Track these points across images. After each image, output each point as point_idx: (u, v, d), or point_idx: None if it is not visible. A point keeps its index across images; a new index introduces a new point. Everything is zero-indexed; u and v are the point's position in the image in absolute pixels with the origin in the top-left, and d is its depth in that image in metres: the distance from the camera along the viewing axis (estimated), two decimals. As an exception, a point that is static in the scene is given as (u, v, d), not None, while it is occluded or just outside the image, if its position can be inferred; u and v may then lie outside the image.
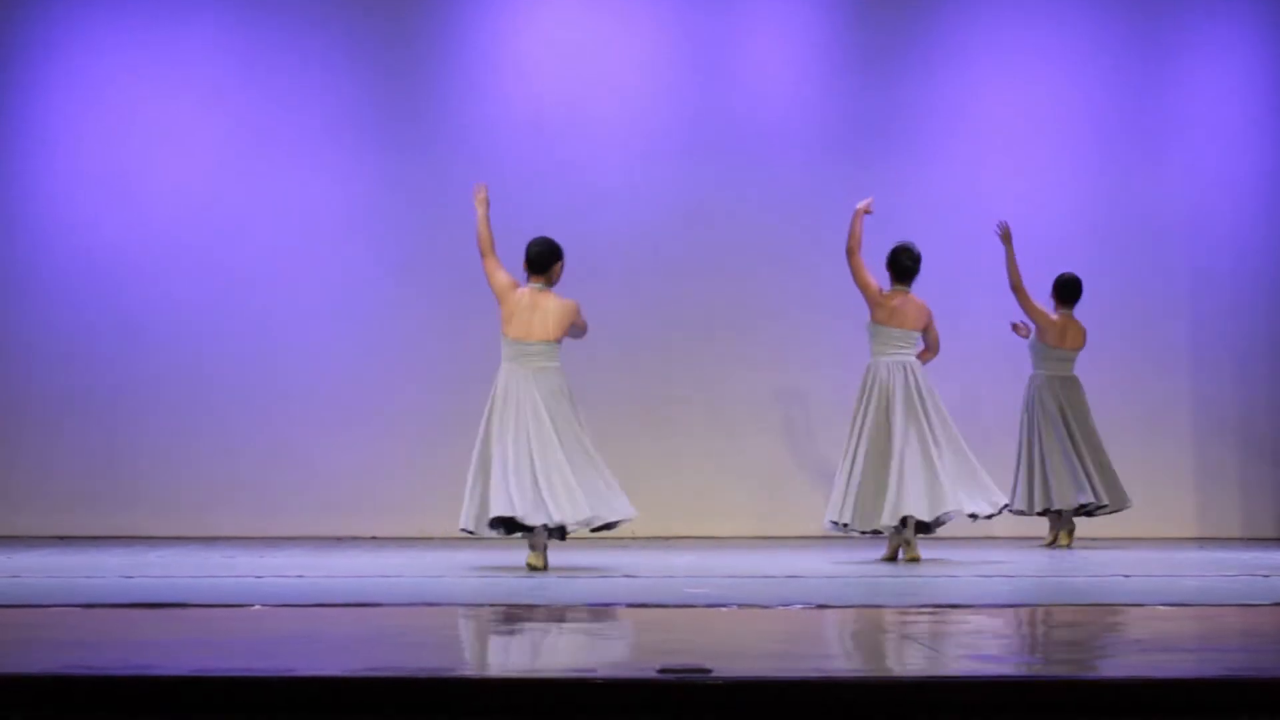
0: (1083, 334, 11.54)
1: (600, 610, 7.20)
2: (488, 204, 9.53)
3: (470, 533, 9.21)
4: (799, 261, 12.32)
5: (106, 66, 12.30)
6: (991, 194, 12.43)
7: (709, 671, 5.00)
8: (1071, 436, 11.35)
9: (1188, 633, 6.63)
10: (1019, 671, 5.50)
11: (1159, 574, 9.22)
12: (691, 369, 12.40)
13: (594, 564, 9.56)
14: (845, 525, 9.95)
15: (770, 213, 12.42)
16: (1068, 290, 11.53)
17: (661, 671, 5.00)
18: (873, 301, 10.18)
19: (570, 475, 9.11)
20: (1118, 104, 12.75)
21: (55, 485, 12.13)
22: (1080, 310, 11.55)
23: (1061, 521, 11.42)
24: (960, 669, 5.45)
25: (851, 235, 10.17)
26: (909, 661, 5.66)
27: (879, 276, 10.23)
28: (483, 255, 9.49)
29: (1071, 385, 11.47)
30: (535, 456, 9.10)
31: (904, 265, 10.23)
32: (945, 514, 9.90)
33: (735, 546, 11.36)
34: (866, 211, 10.20)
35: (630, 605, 7.30)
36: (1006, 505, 10.07)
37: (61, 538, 11.80)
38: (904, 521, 9.89)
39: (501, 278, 9.42)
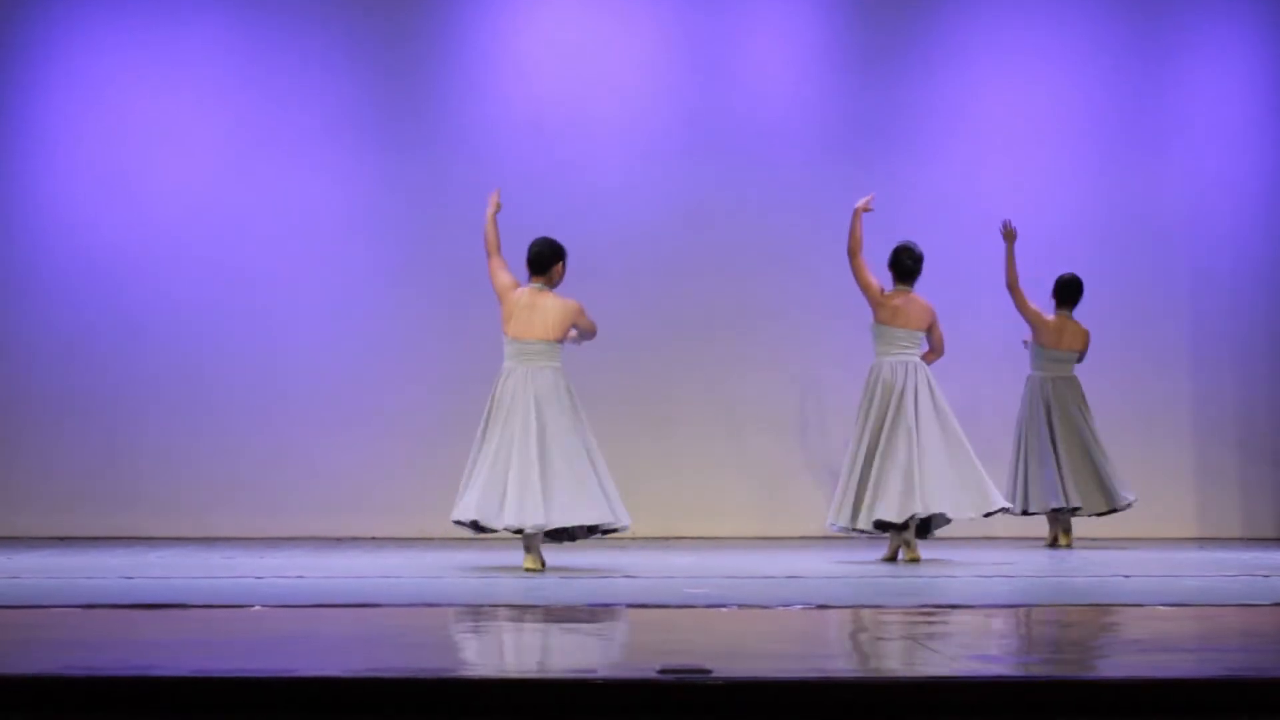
0: (1083, 335, 11.53)
1: (600, 610, 7.19)
2: (498, 206, 9.57)
3: (460, 523, 9.24)
4: (799, 261, 12.32)
5: (106, 66, 12.29)
6: (992, 194, 12.43)
7: (709, 672, 5.00)
8: (1054, 439, 11.36)
9: (1188, 633, 6.63)
10: (1019, 672, 5.50)
11: (1159, 574, 9.22)
12: (692, 369, 12.40)
13: (594, 564, 9.56)
14: (848, 526, 9.96)
15: (770, 213, 12.42)
16: (1067, 291, 11.53)
17: (662, 672, 5.00)
18: (874, 302, 10.19)
19: (537, 477, 9.05)
20: (1118, 104, 12.75)
21: (55, 485, 12.13)
22: (1080, 310, 11.56)
23: (1058, 522, 11.44)
24: (960, 669, 5.45)
25: (852, 236, 10.18)
26: (909, 662, 5.66)
27: (881, 277, 10.24)
28: (487, 254, 9.53)
29: (1068, 386, 11.46)
30: (515, 456, 9.11)
31: (905, 265, 10.24)
32: (943, 515, 9.91)
33: (735, 547, 11.36)
34: (866, 210, 10.21)
35: (630, 605, 7.30)
36: (1005, 508, 10.06)
37: (61, 538, 11.80)
38: (906, 522, 9.90)
39: (503, 277, 9.44)
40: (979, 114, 12.66)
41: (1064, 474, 11.28)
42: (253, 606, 7.19)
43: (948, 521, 10.09)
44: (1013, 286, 11.31)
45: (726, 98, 12.53)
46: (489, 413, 9.29)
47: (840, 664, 5.84)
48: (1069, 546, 11.30)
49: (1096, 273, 12.06)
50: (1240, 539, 12.43)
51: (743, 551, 10.88)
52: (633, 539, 11.70)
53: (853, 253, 10.18)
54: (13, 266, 12.28)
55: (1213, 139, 12.78)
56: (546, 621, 6.89)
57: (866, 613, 7.24)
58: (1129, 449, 12.13)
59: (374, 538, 12.03)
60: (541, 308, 9.33)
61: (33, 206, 12.28)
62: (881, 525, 9.92)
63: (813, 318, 12.33)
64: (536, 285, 9.39)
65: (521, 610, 7.25)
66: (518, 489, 9.04)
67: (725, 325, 12.42)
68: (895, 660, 5.75)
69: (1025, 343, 11.55)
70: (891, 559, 10.03)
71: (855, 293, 10.24)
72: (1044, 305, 11.54)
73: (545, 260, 9.39)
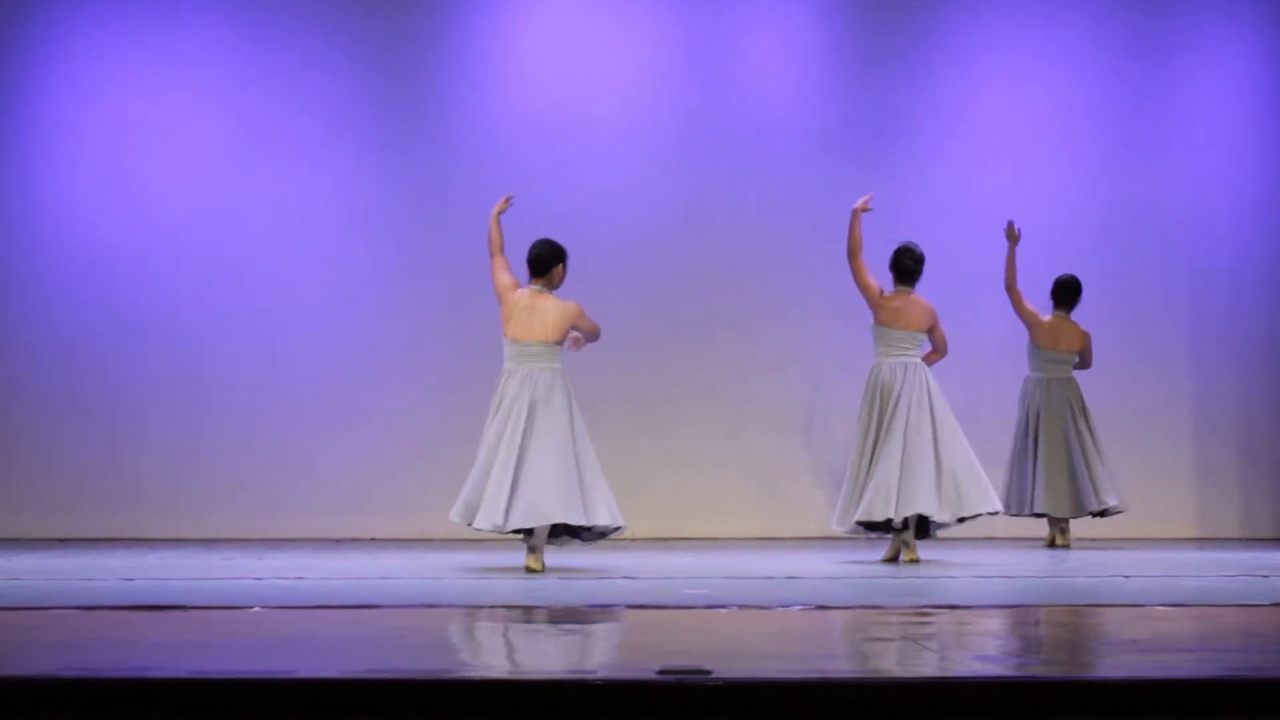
0: (1081, 337, 11.53)
1: (599, 611, 7.19)
2: (504, 206, 9.57)
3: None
4: (799, 262, 12.32)
5: (106, 66, 12.29)
6: (992, 194, 12.43)
7: (708, 673, 5.00)
8: (1036, 442, 11.38)
9: (1187, 633, 6.63)
10: (1018, 672, 5.50)
11: (1158, 574, 9.22)
12: (692, 369, 12.39)
13: (593, 565, 9.56)
14: (853, 526, 9.98)
15: (770, 213, 12.42)
16: (1065, 292, 11.53)
17: (661, 673, 5.00)
18: (874, 303, 10.19)
19: (510, 478, 9.05)
20: (1118, 104, 12.75)
21: (54, 486, 12.12)
22: (1080, 310, 11.55)
23: (1055, 522, 11.46)
24: (960, 670, 5.45)
25: (851, 237, 10.18)
26: (909, 662, 5.66)
27: (882, 278, 10.24)
28: (490, 254, 9.54)
29: (1064, 388, 11.46)
30: (498, 457, 9.12)
31: (906, 266, 10.24)
32: (942, 516, 9.93)
33: (735, 547, 11.36)
34: (864, 210, 10.21)
35: (630, 606, 7.30)
36: (987, 513, 10.06)
37: (60, 539, 11.80)
38: (905, 522, 9.92)
39: (504, 278, 9.45)
40: (979, 114, 12.66)
41: (1036, 478, 11.31)
42: (252, 608, 7.18)
43: (946, 526, 10.10)
44: (1010, 287, 11.34)
45: (726, 98, 12.53)
46: (490, 414, 9.31)
47: (840, 665, 5.84)
48: (1066, 547, 11.30)
49: (1096, 273, 12.06)
50: (1239, 539, 12.43)
51: (742, 552, 10.87)
52: (632, 539, 11.71)
53: (852, 254, 10.18)
54: (12, 266, 12.27)
55: (1212, 139, 12.77)
56: (546, 622, 6.89)
57: (866, 613, 7.24)
58: (1129, 449, 12.14)
59: (373, 539, 12.03)
60: (541, 309, 9.33)
61: (32, 206, 12.27)
62: (866, 525, 9.96)
63: (813, 318, 12.33)
64: (536, 287, 9.38)
65: (521, 611, 7.25)
66: (493, 490, 9.07)
67: (725, 325, 12.41)
68: (895, 661, 5.75)
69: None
70: (892, 560, 10.04)
71: (856, 293, 10.24)
72: (1042, 306, 11.54)
73: (545, 262, 9.38)
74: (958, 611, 7.15)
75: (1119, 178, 12.72)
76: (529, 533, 9.19)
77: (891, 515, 9.82)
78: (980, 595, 7.98)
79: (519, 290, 9.38)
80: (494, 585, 8.57)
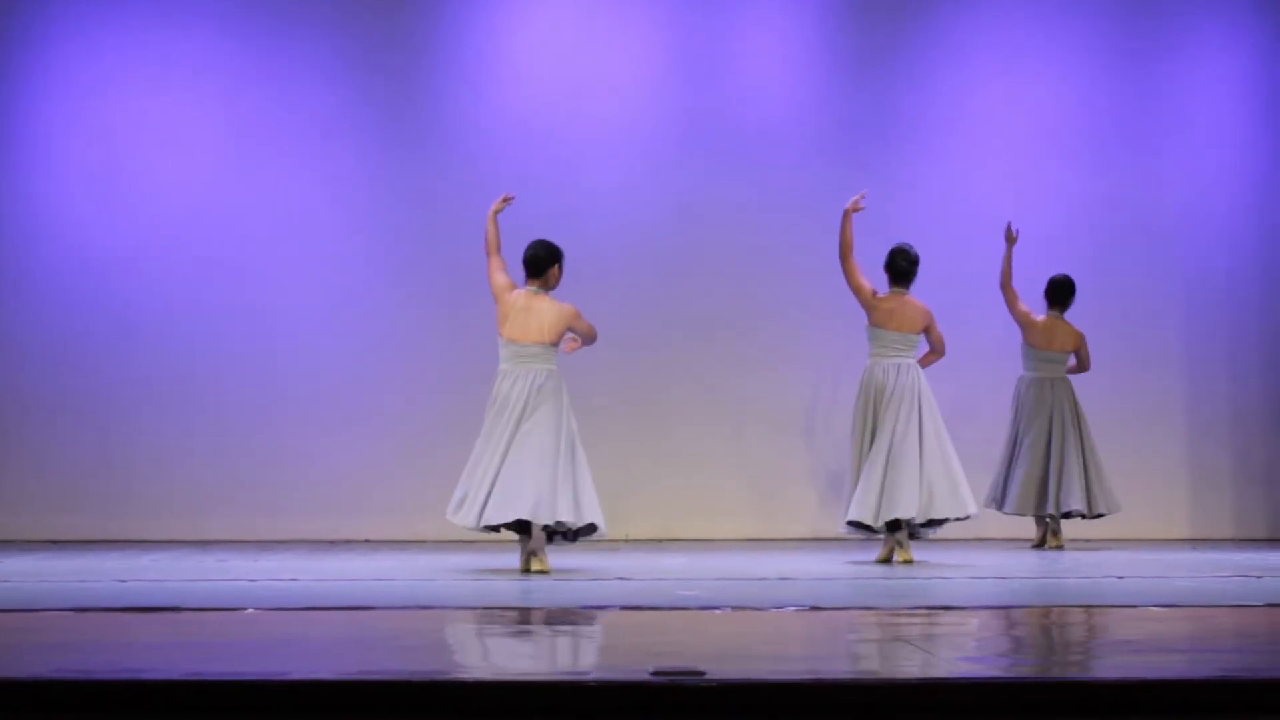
0: (1074, 337, 11.54)
1: (593, 613, 7.19)
2: (502, 205, 9.57)
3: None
4: (796, 262, 12.31)
5: (101, 65, 12.26)
6: (987, 195, 12.43)
7: (702, 674, 5.00)
8: (1017, 442, 11.42)
9: (1181, 634, 6.64)
10: (1012, 673, 5.50)
11: (1152, 575, 9.22)
12: (688, 370, 12.38)
13: (587, 566, 9.56)
14: (860, 526, 10.03)
15: (767, 213, 12.42)
16: (1059, 292, 11.55)
17: (654, 674, 5.00)
18: (867, 304, 10.20)
19: (492, 476, 9.08)
20: (1113, 106, 12.75)
21: (48, 488, 12.11)
22: (1075, 310, 11.57)
23: (1042, 523, 11.48)
24: (954, 671, 5.45)
25: (842, 238, 10.19)
26: (902, 663, 5.66)
27: (877, 279, 10.25)
28: (486, 254, 9.55)
29: (1056, 387, 11.47)
30: (488, 454, 9.14)
31: (900, 267, 10.26)
32: (930, 519, 9.96)
33: (731, 548, 11.36)
34: (856, 210, 10.22)
35: (623, 608, 7.29)
36: (969, 516, 10.08)
37: (54, 541, 11.78)
38: (897, 524, 9.93)
39: (500, 279, 9.45)
40: (974, 115, 12.66)
41: (1011, 476, 11.36)
42: (246, 609, 7.18)
43: (941, 524, 10.12)
44: (1005, 286, 11.37)
45: (723, 98, 12.52)
46: (486, 414, 9.31)
47: (833, 665, 5.84)
48: (1059, 548, 11.30)
49: (1091, 273, 12.08)
50: (1232, 540, 12.44)
51: (735, 553, 10.88)
52: (626, 540, 11.72)
53: (843, 255, 10.19)
54: (5, 266, 12.25)
55: (1208, 140, 12.78)
56: (539, 624, 6.88)
57: (860, 614, 7.24)
58: (1122, 450, 12.15)
59: (368, 540, 12.02)
60: (538, 310, 9.34)
61: (27, 206, 12.25)
62: (858, 526, 10.01)
63: (809, 318, 12.32)
64: (533, 288, 9.39)
65: (515, 612, 7.25)
66: (474, 488, 9.13)
67: (721, 326, 12.41)
68: (889, 662, 5.75)
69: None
70: (885, 560, 10.04)
71: (852, 294, 10.26)
72: (1036, 306, 11.56)
73: (541, 263, 9.39)
74: (951, 612, 7.15)
75: (1114, 179, 12.72)
76: (526, 536, 9.20)
77: (872, 521, 9.87)
78: (974, 596, 7.99)
79: (515, 291, 9.39)
80: (488, 587, 8.57)
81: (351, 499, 12.13)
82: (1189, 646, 6.24)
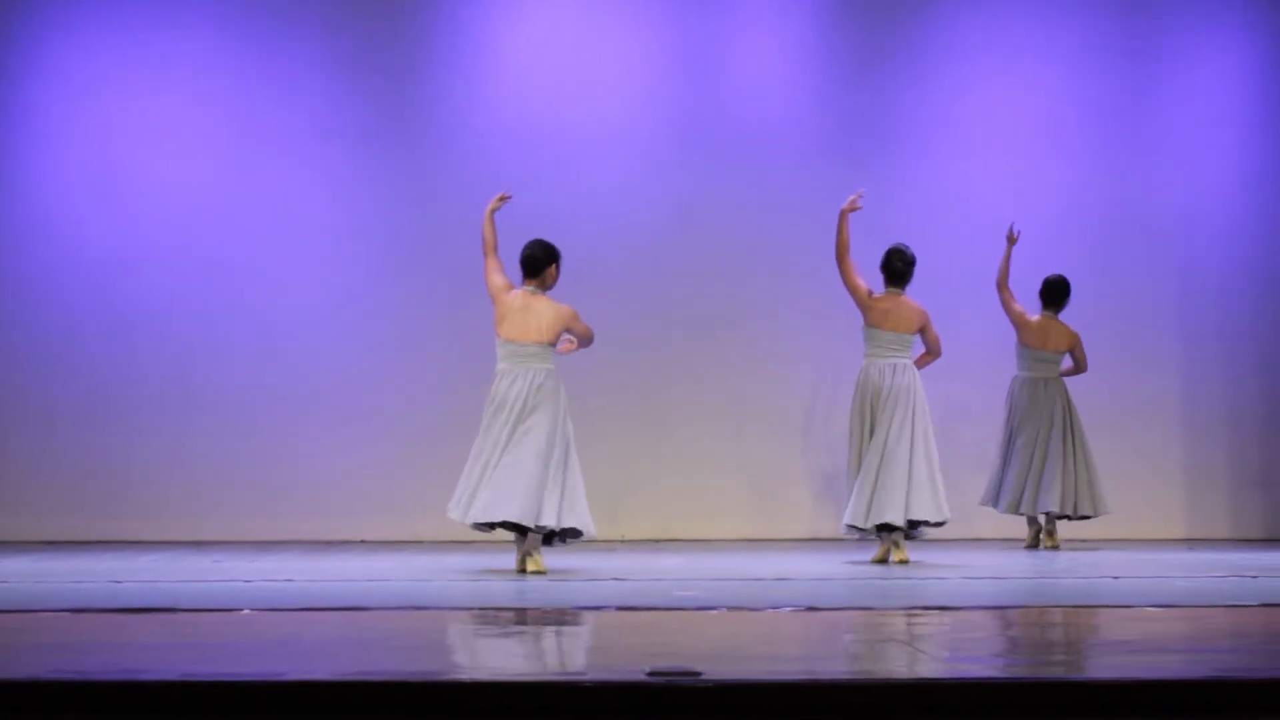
0: (1069, 337, 11.54)
1: (589, 613, 7.19)
2: (499, 204, 9.56)
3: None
4: (793, 262, 12.30)
5: (97, 64, 12.24)
6: (984, 195, 12.43)
7: (699, 674, 5.00)
8: (1010, 442, 11.43)
9: (1177, 634, 6.64)
10: (1009, 673, 5.50)
11: (1148, 575, 9.22)
12: (687, 370, 12.37)
13: (583, 567, 9.56)
14: (855, 528, 10.05)
15: (764, 213, 12.41)
16: (1053, 293, 11.55)
17: (651, 674, 5.00)
18: (862, 304, 10.21)
19: (487, 475, 9.10)
20: (1110, 106, 12.74)
21: (43, 489, 12.09)
22: (1070, 309, 11.57)
23: (1034, 523, 11.49)
24: (950, 671, 5.45)
25: (839, 238, 10.20)
26: (898, 664, 5.66)
27: (873, 279, 10.26)
28: (483, 255, 9.55)
29: (1049, 387, 11.47)
30: (484, 454, 9.15)
31: (896, 268, 10.27)
32: (920, 521, 9.99)
33: (729, 548, 11.36)
34: (852, 210, 10.23)
35: (619, 608, 7.29)
36: (944, 521, 10.09)
37: (50, 542, 11.77)
38: (889, 525, 9.96)
39: (496, 279, 9.44)
40: (972, 115, 12.65)
41: (1005, 476, 11.39)
42: (242, 610, 7.18)
43: (920, 525, 10.17)
44: (1001, 285, 11.40)
45: (722, 98, 12.52)
46: (485, 414, 9.31)
47: (830, 666, 5.83)
48: (1054, 548, 11.30)
49: (1087, 273, 12.08)
50: (1228, 540, 12.44)
51: (732, 554, 10.87)
52: (623, 541, 11.72)
53: (840, 254, 10.20)
54: (3, 267, 12.22)
55: (1204, 140, 12.77)
56: (536, 624, 6.88)
57: (856, 615, 7.24)
58: (1118, 450, 12.15)
59: (364, 541, 12.01)
60: (536, 311, 9.33)
61: (22, 206, 12.23)
62: (852, 528, 10.06)
63: (809, 319, 12.30)
64: (530, 288, 9.39)
65: (511, 613, 7.24)
66: (466, 486, 9.16)
67: (719, 326, 12.40)
68: (885, 662, 5.75)
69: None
70: (882, 561, 10.04)
71: (849, 294, 10.28)
72: (1031, 306, 11.56)
73: (538, 263, 9.39)
74: (947, 613, 7.15)
75: (1111, 179, 12.72)
76: (522, 537, 9.21)
77: (862, 524, 9.89)
78: (970, 596, 7.98)
79: (512, 291, 9.39)
80: (484, 588, 8.57)
81: (348, 500, 12.12)
82: (1185, 646, 6.24)
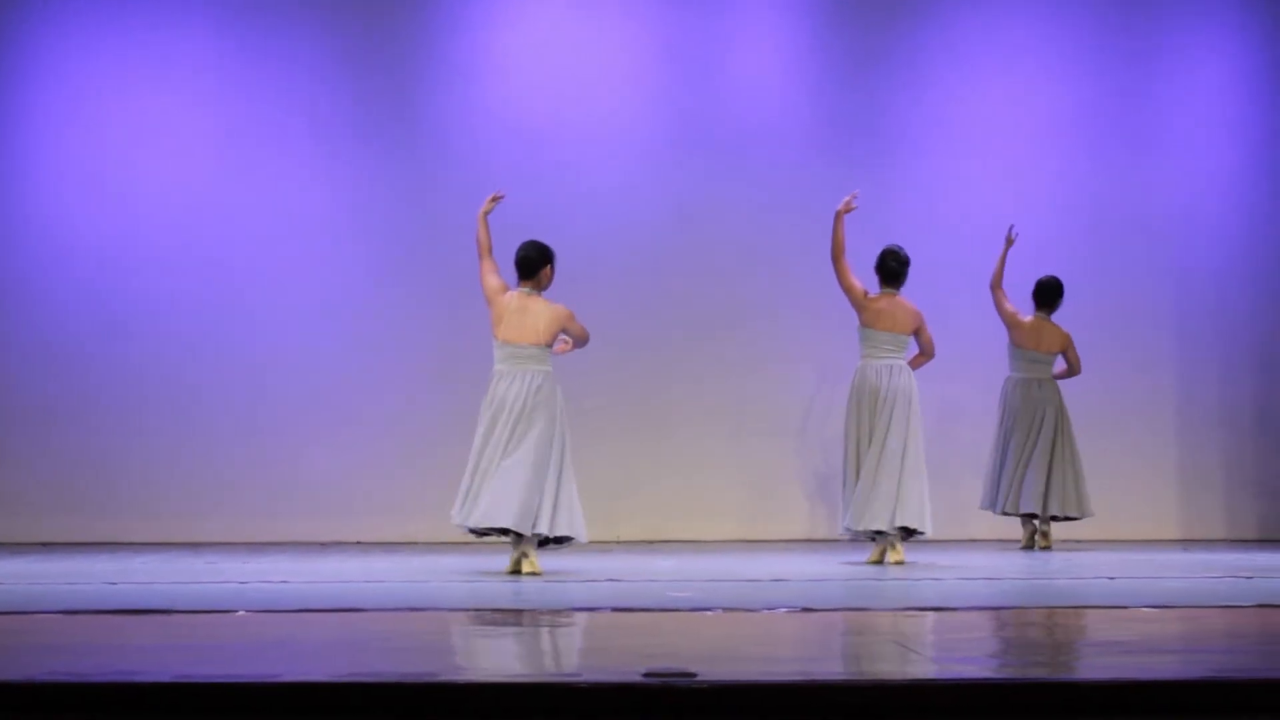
0: (1061, 338, 11.56)
1: (584, 615, 7.19)
2: (492, 205, 9.55)
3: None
4: (790, 263, 12.31)
5: (97, 65, 12.24)
6: (979, 195, 12.45)
7: (694, 675, 5.00)
8: (1006, 441, 11.45)
9: (1172, 634, 6.64)
10: (1004, 674, 5.50)
11: (1143, 575, 9.23)
12: (683, 371, 12.38)
13: (578, 568, 9.56)
14: (854, 530, 10.08)
15: (761, 214, 12.42)
16: (1046, 294, 11.57)
17: (646, 675, 5.00)
18: (858, 305, 10.22)
19: (483, 477, 9.11)
20: (1106, 106, 12.76)
21: (38, 490, 12.09)
22: (1066, 310, 11.58)
23: (1029, 524, 11.51)
24: (945, 672, 5.45)
25: (834, 239, 10.21)
26: (894, 665, 5.66)
27: (868, 280, 10.27)
28: (478, 256, 9.54)
29: (1041, 388, 11.49)
30: (485, 456, 9.16)
31: (890, 269, 10.27)
32: (899, 526, 10.01)
33: (725, 549, 11.36)
34: (848, 210, 10.23)
35: (615, 609, 7.29)
36: (923, 533, 10.12)
37: (44, 543, 11.77)
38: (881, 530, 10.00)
39: (492, 281, 9.44)
40: (967, 115, 12.67)
41: (1000, 477, 11.42)
42: (237, 611, 7.17)
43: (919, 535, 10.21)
44: (995, 286, 11.44)
45: (719, 98, 12.52)
46: (482, 416, 9.31)
47: (825, 667, 5.84)
48: (1048, 549, 11.31)
49: (1082, 273, 12.10)
50: (1223, 540, 12.46)
51: (727, 554, 10.88)
52: (618, 542, 11.72)
53: (835, 255, 10.21)
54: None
55: (1200, 140, 12.79)
56: (531, 625, 6.88)
57: (851, 616, 7.24)
58: (1113, 450, 12.17)
59: (360, 542, 12.01)
60: (533, 312, 9.33)
61: (21, 206, 12.23)
62: (851, 531, 10.11)
63: (807, 319, 12.31)
64: (525, 289, 9.38)
65: (506, 614, 7.24)
66: (465, 489, 9.16)
67: (716, 327, 12.41)
68: (880, 663, 5.75)
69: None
70: (877, 561, 10.05)
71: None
72: (1024, 307, 11.57)
73: (533, 264, 9.38)
74: (943, 613, 7.16)
75: (1106, 179, 12.74)
76: (518, 539, 9.21)
77: (855, 527, 9.93)
78: (965, 597, 7.99)
79: (508, 293, 9.39)
80: (479, 589, 8.57)
81: (344, 501, 12.12)
82: (1180, 647, 6.24)
